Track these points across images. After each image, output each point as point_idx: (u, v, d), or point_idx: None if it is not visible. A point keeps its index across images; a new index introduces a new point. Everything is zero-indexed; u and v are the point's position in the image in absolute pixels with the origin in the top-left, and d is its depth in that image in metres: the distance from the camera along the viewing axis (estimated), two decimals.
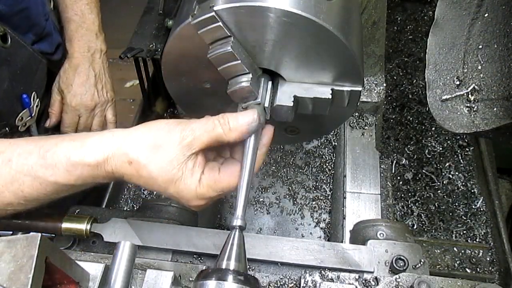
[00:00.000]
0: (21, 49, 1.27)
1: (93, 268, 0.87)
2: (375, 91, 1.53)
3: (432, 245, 1.56)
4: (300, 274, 1.04)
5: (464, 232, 1.73)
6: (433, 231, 1.75)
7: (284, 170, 1.70)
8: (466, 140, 1.95)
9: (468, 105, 0.83)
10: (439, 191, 1.84)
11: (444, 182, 1.86)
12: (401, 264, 1.01)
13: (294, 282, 1.05)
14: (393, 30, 2.37)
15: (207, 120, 0.85)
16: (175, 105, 1.94)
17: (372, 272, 1.03)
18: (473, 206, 1.79)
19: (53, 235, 1.07)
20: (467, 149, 1.93)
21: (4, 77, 1.21)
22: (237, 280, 0.75)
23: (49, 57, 1.45)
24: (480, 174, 1.86)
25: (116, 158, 0.83)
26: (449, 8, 0.86)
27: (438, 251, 1.55)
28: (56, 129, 1.53)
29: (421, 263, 1.03)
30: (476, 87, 0.82)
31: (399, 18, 2.42)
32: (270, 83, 0.98)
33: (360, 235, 1.15)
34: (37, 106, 1.38)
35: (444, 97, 0.85)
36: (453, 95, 0.84)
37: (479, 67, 0.82)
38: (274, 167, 1.71)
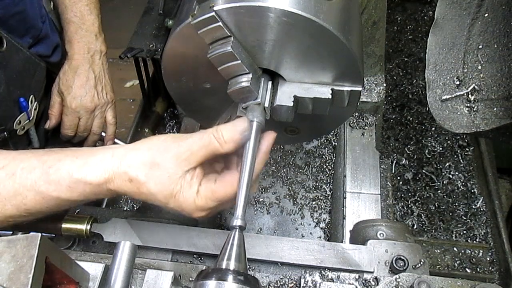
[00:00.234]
0: (18, 52, 1.26)
1: (93, 268, 0.87)
2: (375, 91, 1.53)
3: (432, 245, 1.57)
4: (300, 274, 1.04)
5: (464, 232, 1.73)
6: (433, 231, 1.75)
7: (284, 170, 1.70)
8: (466, 140, 1.95)
9: (468, 105, 0.83)
10: (439, 191, 1.84)
11: (444, 182, 1.86)
12: (401, 264, 1.01)
13: (294, 282, 1.05)
14: (393, 30, 2.37)
15: (202, 134, 0.87)
16: (175, 105, 1.94)
17: (372, 272, 1.03)
18: (473, 206, 1.79)
19: (53, 235, 1.07)
20: (467, 149, 1.93)
21: (0, 81, 1.21)
22: (237, 280, 0.75)
23: (47, 60, 1.44)
24: (480, 174, 1.86)
25: (117, 177, 0.85)
26: (449, 8, 0.86)
27: (438, 251, 1.55)
28: (56, 131, 1.53)
29: (421, 263, 1.03)
30: (476, 87, 0.82)
31: (399, 18, 2.42)
32: (270, 83, 0.98)
33: (360, 235, 1.15)
34: (35, 109, 1.38)
35: (444, 97, 0.85)
36: (453, 95, 0.84)
37: (479, 67, 0.82)
38: (274, 167, 1.71)
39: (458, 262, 1.54)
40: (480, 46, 0.82)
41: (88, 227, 1.05)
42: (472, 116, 0.82)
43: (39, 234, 0.68)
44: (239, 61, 0.89)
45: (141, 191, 0.85)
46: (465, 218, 1.76)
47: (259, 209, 1.63)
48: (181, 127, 1.70)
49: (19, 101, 1.30)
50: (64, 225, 1.04)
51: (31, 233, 0.69)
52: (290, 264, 1.07)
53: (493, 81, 0.80)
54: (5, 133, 1.28)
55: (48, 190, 0.86)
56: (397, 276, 0.96)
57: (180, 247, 1.08)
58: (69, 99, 1.46)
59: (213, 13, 0.85)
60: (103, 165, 0.86)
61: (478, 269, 1.54)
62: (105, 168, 0.86)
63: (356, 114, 1.54)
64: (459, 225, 1.75)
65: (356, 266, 1.03)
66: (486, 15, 0.82)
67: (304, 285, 1.01)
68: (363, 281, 1.01)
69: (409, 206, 1.82)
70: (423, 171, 1.90)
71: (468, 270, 1.52)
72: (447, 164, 1.90)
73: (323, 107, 0.99)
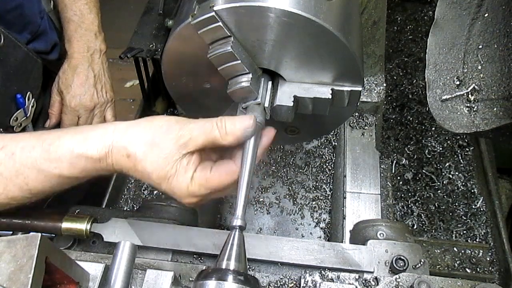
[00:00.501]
0: (15, 48, 1.26)
1: (93, 268, 0.87)
2: (375, 91, 1.53)
3: (432, 245, 1.56)
4: (300, 274, 1.04)
5: (464, 232, 1.73)
6: (433, 231, 1.75)
7: (284, 170, 1.70)
8: (466, 140, 1.95)
9: (468, 105, 0.83)
10: (439, 191, 1.84)
11: (444, 182, 1.86)
12: (401, 264, 1.01)
13: (294, 282, 1.05)
14: (393, 30, 2.37)
15: (205, 122, 0.86)
16: (175, 105, 1.94)
17: (372, 272, 1.03)
18: (473, 206, 1.79)
19: (53, 235, 1.07)
20: (467, 149, 1.93)
21: None
22: (237, 280, 0.75)
23: (45, 57, 1.44)
24: (480, 174, 1.86)
25: (116, 151, 0.85)
26: (449, 8, 0.86)
27: (438, 251, 1.55)
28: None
29: (421, 263, 1.03)
30: (476, 87, 0.82)
31: (399, 18, 2.42)
32: (270, 83, 0.98)
33: (360, 235, 1.15)
34: (32, 106, 1.37)
35: (444, 97, 0.85)
36: (453, 95, 0.84)
37: (479, 67, 0.82)
38: (274, 167, 1.71)
39: (458, 262, 1.54)
40: (480, 46, 0.82)
41: (88, 227, 1.05)
42: (472, 116, 0.82)
43: (39, 234, 0.68)
44: (239, 61, 0.89)
45: (136, 168, 0.85)
46: (465, 218, 1.76)
47: (259, 209, 1.63)
48: None
49: (16, 98, 1.30)
50: (64, 225, 1.04)
51: (31, 233, 0.69)
52: (290, 264, 1.07)
53: (493, 81, 0.80)
54: (1, 129, 1.28)
55: (50, 167, 0.86)
56: (397, 276, 0.96)
57: (180, 247, 1.08)
58: (68, 98, 1.46)
59: (213, 13, 0.85)
60: (103, 139, 0.86)
61: (478, 269, 1.53)
62: (105, 142, 0.86)
63: (356, 114, 1.54)
64: (459, 225, 1.75)
65: (356, 266, 1.03)
66: (486, 15, 0.82)
67: (304, 285, 1.01)
68: (363, 281, 1.01)
69: (409, 206, 1.82)
70: (423, 171, 1.90)
71: (468, 270, 1.52)
72: (447, 164, 1.90)
73: (323, 107, 0.99)
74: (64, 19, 1.48)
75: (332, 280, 1.02)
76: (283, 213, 1.62)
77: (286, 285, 1.05)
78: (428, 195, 1.84)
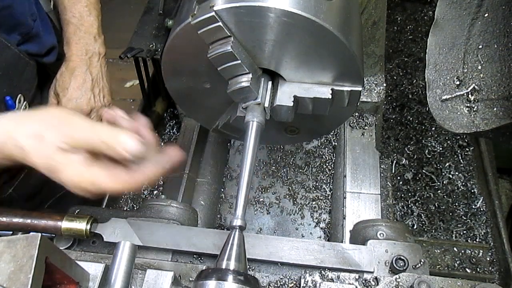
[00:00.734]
0: (4, 49, 1.24)
1: (93, 268, 0.87)
2: (375, 91, 1.53)
3: (432, 245, 1.56)
4: (300, 274, 1.04)
5: (464, 232, 1.73)
6: (433, 231, 1.75)
7: (284, 170, 1.70)
8: (466, 140, 1.95)
9: (468, 105, 0.82)
10: (439, 191, 1.84)
11: (444, 182, 1.86)
12: (401, 264, 1.01)
13: (294, 282, 1.05)
14: (393, 30, 2.37)
15: (93, 126, 0.88)
16: (175, 105, 1.94)
17: (372, 272, 1.03)
18: (473, 206, 1.79)
19: (53, 235, 1.07)
20: (467, 149, 1.93)
21: None
22: (237, 280, 0.75)
23: (39, 59, 1.42)
24: (480, 174, 1.86)
25: (10, 142, 0.88)
26: (449, 8, 0.86)
27: (438, 251, 1.55)
28: None
29: (421, 263, 1.03)
30: (476, 87, 0.82)
31: (399, 18, 2.42)
32: (270, 83, 0.98)
33: (360, 235, 1.15)
34: (25, 108, 1.34)
35: (444, 97, 0.85)
36: (453, 95, 0.84)
37: (479, 67, 0.82)
38: (274, 167, 1.71)
39: (458, 262, 1.54)
40: (480, 46, 0.82)
41: (88, 227, 1.05)
42: (472, 116, 0.82)
43: (39, 234, 0.68)
44: (239, 61, 0.89)
45: (27, 160, 0.88)
46: (465, 218, 1.76)
47: (259, 209, 1.63)
48: (181, 127, 1.70)
49: (5, 100, 1.28)
50: (64, 225, 1.04)
51: (31, 233, 0.69)
52: (290, 264, 1.07)
53: (493, 81, 0.80)
54: None
55: None
56: (397, 276, 0.96)
57: (180, 247, 1.08)
58: (64, 101, 1.43)
59: (213, 13, 0.85)
60: (1, 129, 0.89)
61: (478, 269, 1.53)
62: (2, 132, 0.88)
63: (356, 114, 1.54)
64: (459, 225, 1.75)
65: (356, 266, 1.03)
66: (486, 15, 0.81)
67: (304, 285, 1.01)
68: (363, 281, 1.01)
69: (409, 206, 1.82)
70: (423, 171, 1.90)
71: (468, 270, 1.52)
72: (447, 164, 1.90)
73: (323, 107, 0.99)
74: (63, 21, 1.46)
75: (332, 280, 1.02)
76: (283, 213, 1.62)
77: (286, 285, 1.05)
78: (428, 195, 1.84)
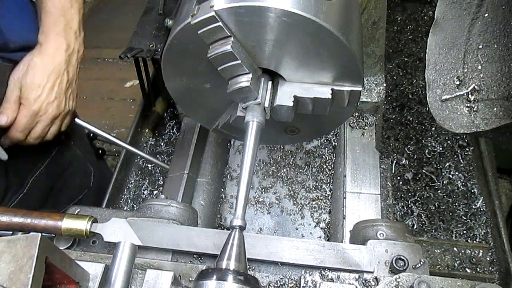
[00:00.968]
0: None
1: (93, 268, 0.87)
2: (375, 91, 1.53)
3: (432, 245, 1.57)
4: (300, 274, 1.04)
5: (464, 232, 1.73)
6: (433, 231, 1.75)
7: (284, 170, 1.70)
8: (466, 140, 1.95)
9: (468, 105, 0.82)
10: (439, 191, 1.84)
11: (444, 182, 1.86)
12: (401, 264, 1.01)
13: (294, 282, 1.05)
14: (393, 30, 2.37)
15: None
16: (175, 105, 1.94)
17: (372, 272, 1.03)
18: (473, 206, 1.79)
19: (53, 235, 1.07)
20: (467, 149, 1.93)
21: None
22: (237, 280, 0.75)
23: (3, 54, 1.29)
24: (480, 174, 1.86)
25: None
26: (449, 8, 0.86)
27: (438, 251, 1.55)
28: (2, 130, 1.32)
29: (421, 263, 1.02)
30: (476, 87, 0.82)
31: (399, 18, 2.42)
32: (270, 83, 0.98)
33: (360, 235, 1.15)
34: None
35: (444, 97, 0.85)
36: (453, 95, 0.84)
37: (479, 67, 0.82)
38: (274, 167, 1.71)
39: (458, 262, 1.54)
40: (480, 46, 0.82)
41: (88, 227, 1.05)
42: (472, 116, 0.82)
43: (39, 234, 0.68)
44: (239, 61, 0.89)
45: None
46: (465, 218, 1.76)
47: (259, 209, 1.63)
48: (181, 127, 1.70)
49: None
50: (64, 225, 1.04)
51: (31, 233, 0.69)
52: (290, 264, 1.07)
53: (493, 81, 0.80)
54: None
55: None
56: (397, 276, 0.96)
57: (180, 247, 1.08)
58: (32, 98, 1.27)
59: (213, 13, 0.85)
60: None
61: (478, 269, 1.54)
62: None
63: (356, 114, 1.54)
64: (459, 225, 1.75)
65: (356, 266, 1.03)
66: (486, 15, 0.81)
67: (304, 285, 1.01)
68: (363, 281, 1.01)
69: (409, 206, 1.82)
70: (423, 171, 1.90)
71: (468, 270, 1.52)
72: (447, 164, 1.90)
73: (323, 107, 0.99)
74: (42, 11, 1.32)
75: (332, 280, 1.02)
76: (283, 213, 1.62)
77: (286, 285, 1.05)
78: (428, 195, 1.84)
